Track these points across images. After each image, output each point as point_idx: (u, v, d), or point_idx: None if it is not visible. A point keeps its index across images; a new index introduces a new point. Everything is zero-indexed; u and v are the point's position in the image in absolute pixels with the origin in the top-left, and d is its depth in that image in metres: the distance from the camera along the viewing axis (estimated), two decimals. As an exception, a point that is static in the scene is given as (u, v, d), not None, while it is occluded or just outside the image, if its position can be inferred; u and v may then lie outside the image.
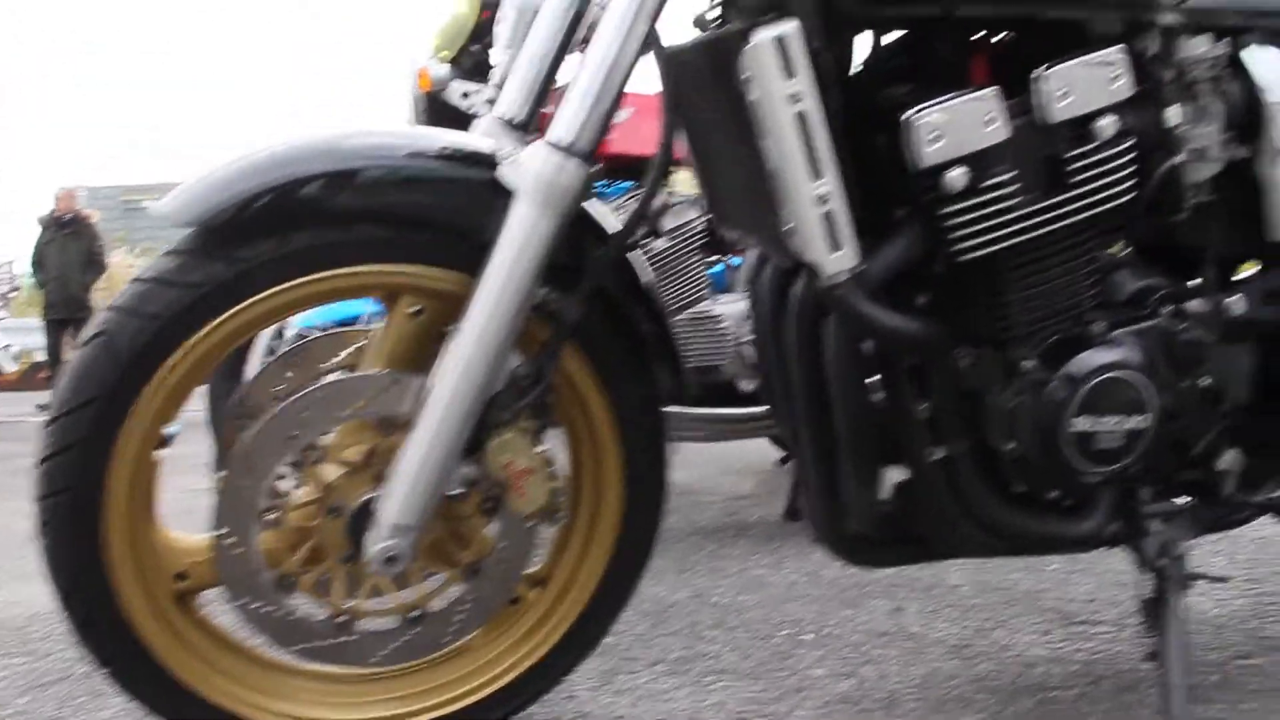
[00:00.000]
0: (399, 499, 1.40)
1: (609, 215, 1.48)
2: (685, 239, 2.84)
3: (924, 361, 1.44)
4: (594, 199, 1.46)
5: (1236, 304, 1.55)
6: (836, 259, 1.33)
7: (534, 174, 1.35)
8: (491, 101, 2.55)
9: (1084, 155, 1.38)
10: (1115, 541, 1.59)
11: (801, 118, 1.30)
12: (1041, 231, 1.38)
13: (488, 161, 1.41)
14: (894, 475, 1.55)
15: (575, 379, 1.52)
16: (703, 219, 2.87)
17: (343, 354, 1.60)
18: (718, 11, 1.51)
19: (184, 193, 1.39)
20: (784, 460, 3.56)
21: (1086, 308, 1.46)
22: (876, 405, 1.49)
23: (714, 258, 2.93)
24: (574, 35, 1.53)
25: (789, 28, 1.30)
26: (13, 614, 2.52)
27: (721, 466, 3.61)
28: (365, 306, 2.65)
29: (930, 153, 1.32)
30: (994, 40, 1.50)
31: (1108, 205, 1.40)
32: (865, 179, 1.39)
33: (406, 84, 3.01)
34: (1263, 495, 1.65)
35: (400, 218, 1.41)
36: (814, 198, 1.31)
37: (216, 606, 1.55)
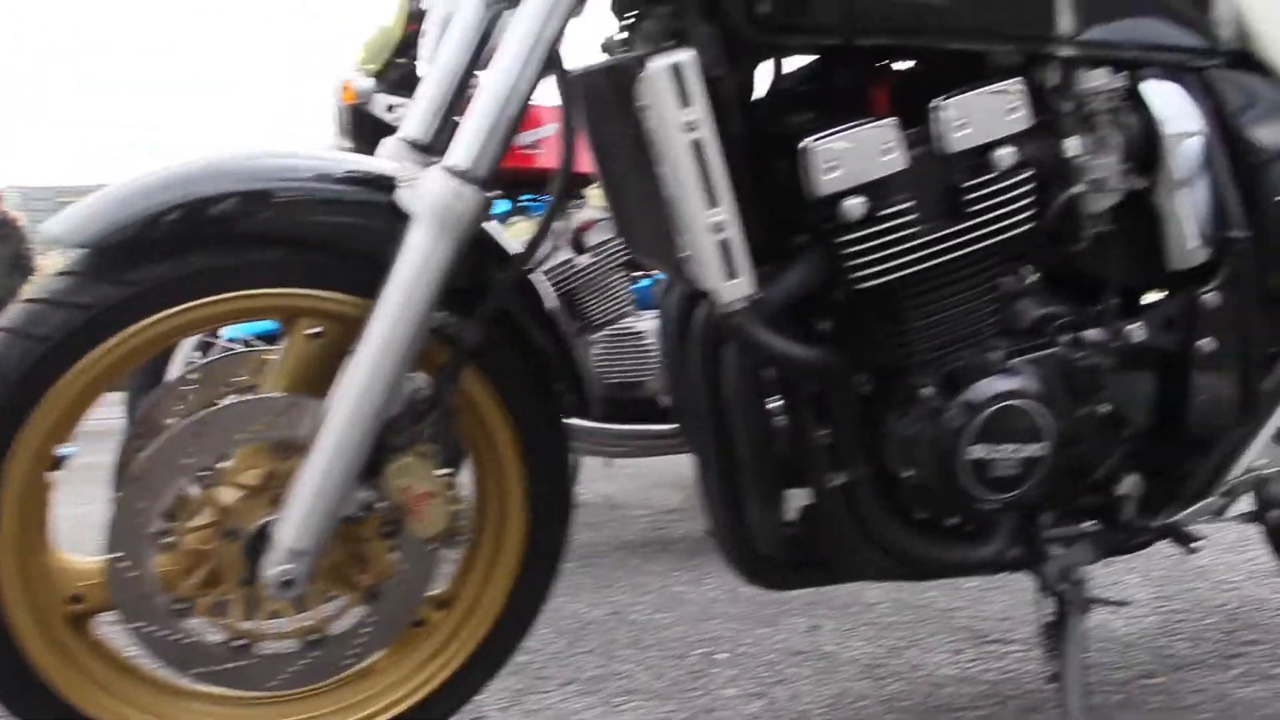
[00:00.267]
0: (295, 523, 1.38)
1: (509, 238, 1.48)
2: (609, 255, 2.84)
3: (824, 387, 1.44)
4: (494, 221, 1.45)
5: (1137, 331, 1.57)
6: (732, 287, 1.33)
7: (431, 199, 1.34)
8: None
9: (982, 185, 1.39)
10: (1016, 566, 1.61)
11: (697, 146, 1.30)
12: (940, 260, 1.39)
13: (387, 185, 1.40)
14: (799, 498, 1.56)
15: (477, 401, 1.51)
16: (625, 236, 2.86)
17: (245, 374, 1.58)
18: (624, 36, 1.51)
19: (77, 213, 1.37)
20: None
21: (987, 335, 1.47)
22: (778, 430, 1.49)
23: (638, 274, 2.94)
24: (481, 56, 1.52)
25: (685, 56, 1.30)
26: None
27: (651, 480, 3.61)
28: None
29: (827, 181, 1.33)
30: (898, 70, 1.51)
31: (1006, 235, 1.41)
32: (769, 205, 1.39)
33: (330, 96, 2.99)
34: (1162, 519, 1.67)
35: (297, 240, 1.40)
36: (709, 226, 1.31)
37: (114, 629, 1.52)
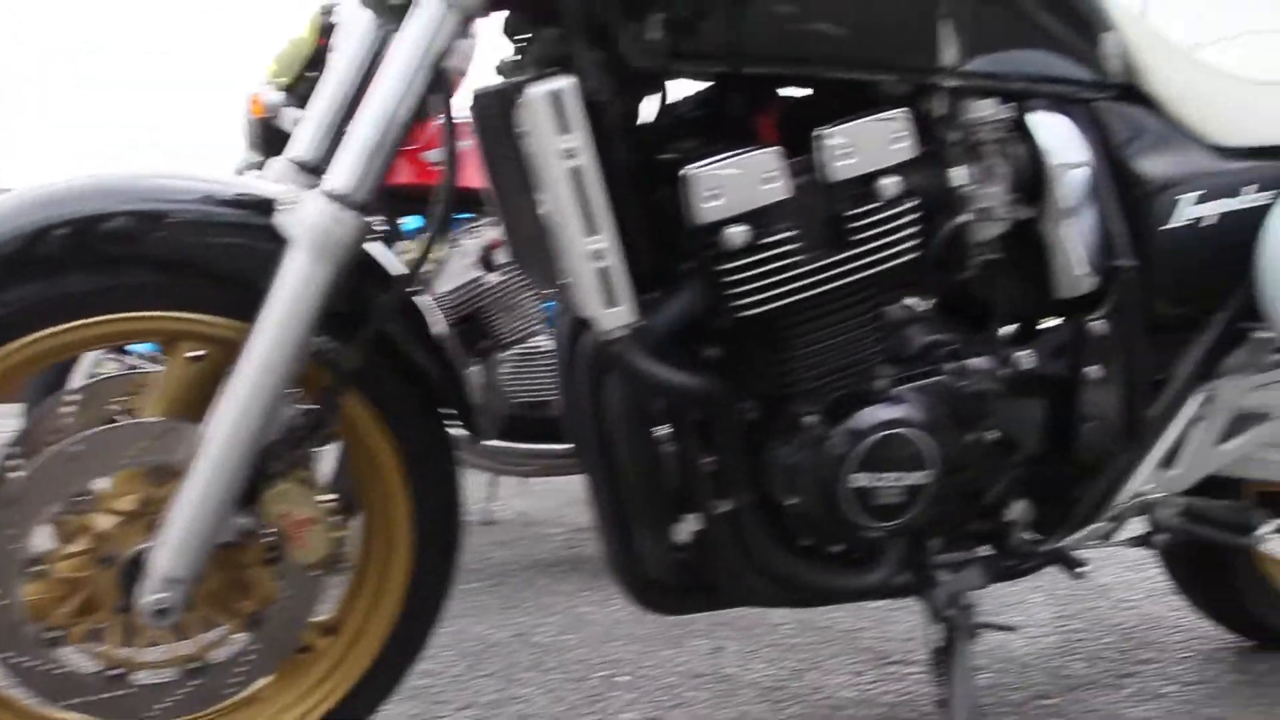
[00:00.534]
0: (170, 550, 1.35)
1: (393, 259, 1.46)
2: (518, 273, 2.82)
3: (708, 415, 1.44)
4: (378, 243, 1.44)
5: (1025, 358, 1.58)
6: (612, 315, 1.32)
7: (308, 224, 1.32)
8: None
9: (866, 214, 1.40)
10: (904, 592, 1.62)
11: (576, 173, 1.30)
12: (822, 289, 1.39)
13: (269, 208, 1.38)
14: (692, 522, 1.55)
15: (360, 426, 1.49)
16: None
17: (127, 396, 1.55)
18: (517, 59, 1.51)
19: None
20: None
21: (872, 363, 1.47)
22: (666, 456, 1.49)
23: (548, 291, 2.91)
24: (371, 76, 1.51)
25: (564, 83, 1.29)
26: None
27: (568, 496, 3.59)
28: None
29: (708, 209, 1.33)
30: (788, 97, 1.51)
31: (890, 264, 1.42)
32: (657, 232, 1.39)
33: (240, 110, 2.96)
34: (1051, 544, 1.68)
35: (176, 263, 1.37)
36: (588, 253, 1.31)
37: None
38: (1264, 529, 1.74)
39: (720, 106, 1.49)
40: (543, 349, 2.79)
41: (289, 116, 2.87)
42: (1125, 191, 1.61)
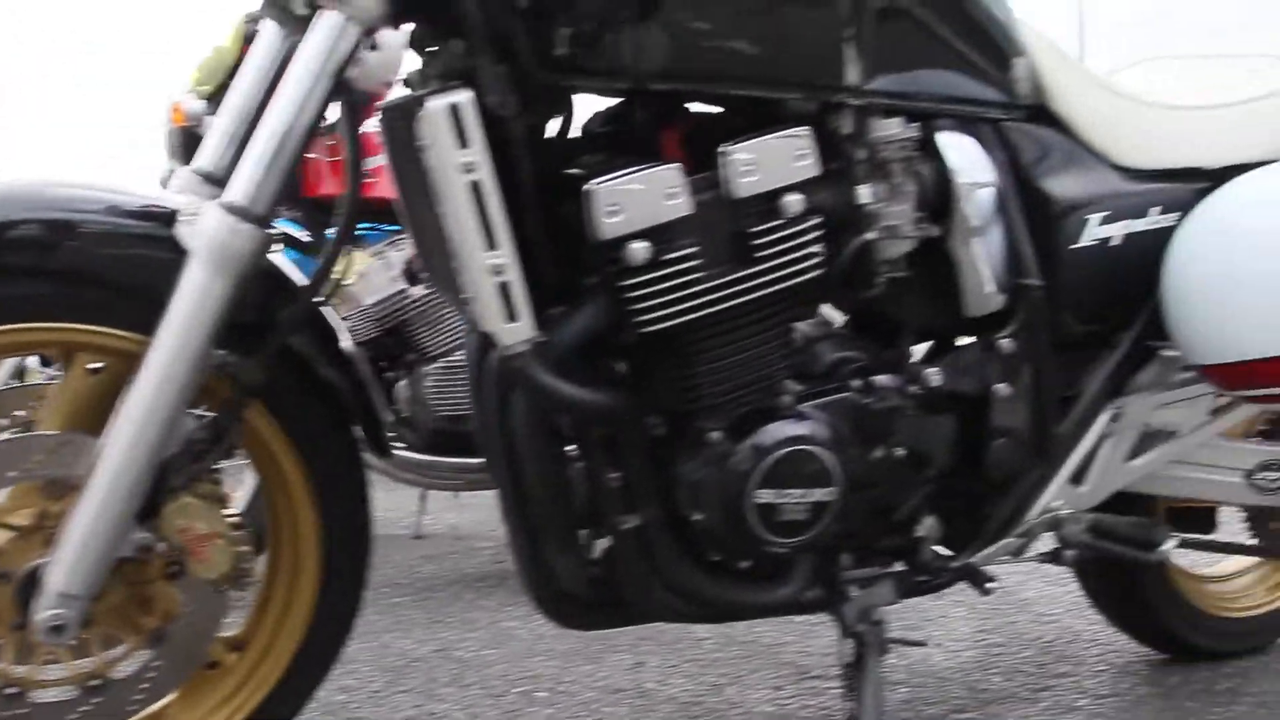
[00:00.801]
0: (66, 566, 1.33)
1: (296, 272, 1.45)
2: (442, 286, 2.81)
3: (612, 431, 1.44)
4: (281, 254, 1.43)
5: (934, 375, 1.59)
6: (512, 330, 1.32)
7: (207, 236, 1.31)
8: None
9: (769, 231, 1.40)
10: (815, 608, 1.62)
11: (475, 187, 1.29)
12: (725, 306, 1.39)
13: (170, 219, 1.37)
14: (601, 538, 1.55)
15: (265, 439, 1.48)
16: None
17: (27, 408, 1.53)
18: (424, 71, 1.50)
19: None
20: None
21: (778, 380, 1.48)
22: (573, 472, 1.49)
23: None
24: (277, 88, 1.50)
25: (463, 97, 1.29)
26: None
27: (498, 512, 3.58)
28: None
29: (610, 224, 1.33)
30: (695, 114, 1.51)
31: (794, 281, 1.43)
32: (562, 247, 1.39)
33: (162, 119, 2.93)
34: (961, 560, 1.69)
35: (73, 274, 1.36)
36: (488, 268, 1.31)
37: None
38: (1168, 545, 1.76)
39: (628, 122, 1.50)
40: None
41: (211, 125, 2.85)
42: (1033, 211, 1.63)
